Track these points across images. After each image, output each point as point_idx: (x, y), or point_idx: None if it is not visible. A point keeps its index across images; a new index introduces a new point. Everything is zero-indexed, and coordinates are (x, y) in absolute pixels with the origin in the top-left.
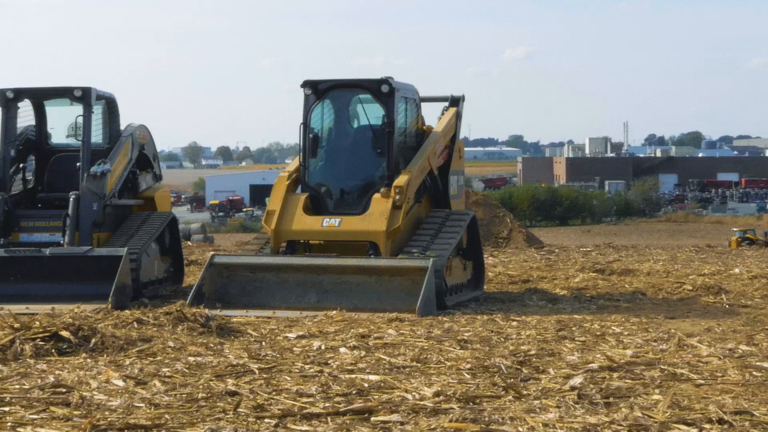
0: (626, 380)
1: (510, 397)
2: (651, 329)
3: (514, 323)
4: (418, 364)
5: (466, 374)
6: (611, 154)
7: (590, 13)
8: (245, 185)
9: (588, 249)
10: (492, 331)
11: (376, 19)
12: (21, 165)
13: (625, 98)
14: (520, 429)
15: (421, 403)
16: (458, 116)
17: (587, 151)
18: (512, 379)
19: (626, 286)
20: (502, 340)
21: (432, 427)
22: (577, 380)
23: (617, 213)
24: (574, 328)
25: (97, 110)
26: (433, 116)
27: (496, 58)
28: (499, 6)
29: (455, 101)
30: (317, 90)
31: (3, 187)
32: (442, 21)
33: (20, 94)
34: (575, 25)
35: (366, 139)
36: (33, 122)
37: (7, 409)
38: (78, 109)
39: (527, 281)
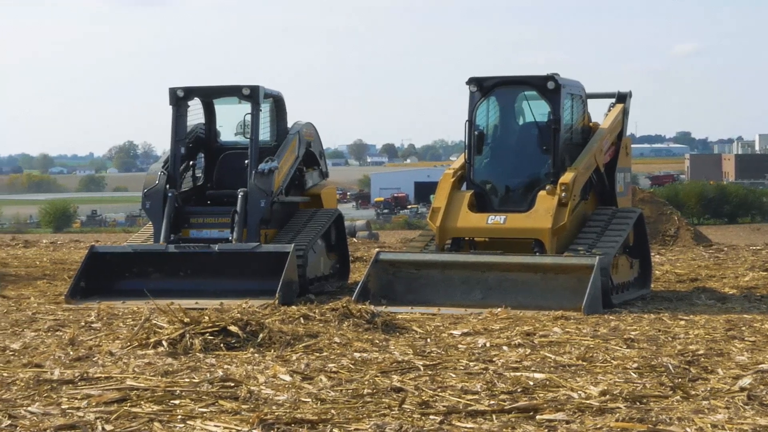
0: None
1: (677, 398)
2: None
3: (682, 322)
4: (584, 363)
5: (632, 373)
6: None
7: (761, 6)
8: (410, 182)
9: (758, 247)
10: (659, 331)
11: (541, 15)
12: (191, 162)
13: None
14: (687, 430)
15: (587, 402)
16: (625, 113)
17: (757, 147)
18: (680, 379)
19: None
20: (670, 339)
21: (598, 426)
22: (746, 381)
23: None
24: (743, 328)
25: (265, 108)
26: (599, 113)
27: (664, 53)
28: (667, 2)
29: (622, 97)
30: (482, 87)
31: (174, 184)
32: (608, 17)
33: (190, 93)
34: (745, 19)
35: (531, 136)
36: (202, 120)
37: (177, 402)
38: (246, 107)
39: (695, 280)
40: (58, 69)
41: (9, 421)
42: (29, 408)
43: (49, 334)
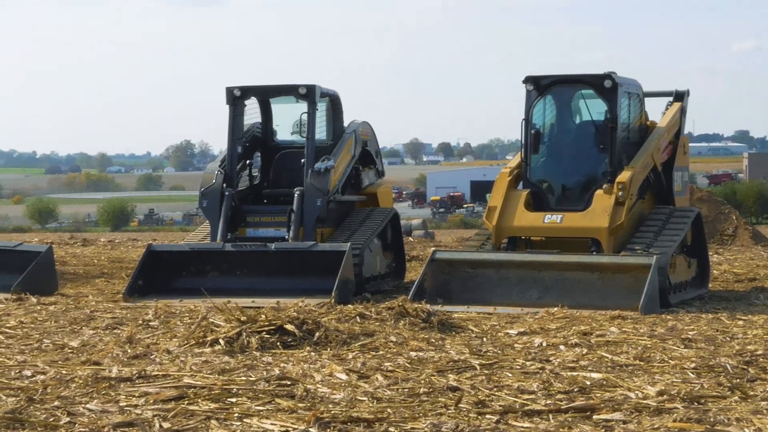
0: None
1: (736, 398)
2: None
3: (740, 322)
4: (641, 363)
5: (690, 374)
6: None
7: None
8: (466, 181)
9: None
10: (717, 330)
11: (598, 14)
12: (247, 161)
13: None
14: (746, 430)
15: (644, 402)
16: (683, 111)
17: None
18: (738, 380)
19: None
20: (728, 339)
21: (655, 426)
22: None
23: None
24: None
25: (321, 107)
26: (657, 111)
27: (723, 52)
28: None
29: (680, 96)
30: (539, 86)
31: (230, 183)
32: (666, 15)
33: (247, 92)
34: None
35: (588, 134)
36: (259, 120)
37: (234, 400)
38: (303, 106)
39: (753, 279)
40: (115, 69)
41: (68, 418)
42: (88, 405)
43: (107, 332)
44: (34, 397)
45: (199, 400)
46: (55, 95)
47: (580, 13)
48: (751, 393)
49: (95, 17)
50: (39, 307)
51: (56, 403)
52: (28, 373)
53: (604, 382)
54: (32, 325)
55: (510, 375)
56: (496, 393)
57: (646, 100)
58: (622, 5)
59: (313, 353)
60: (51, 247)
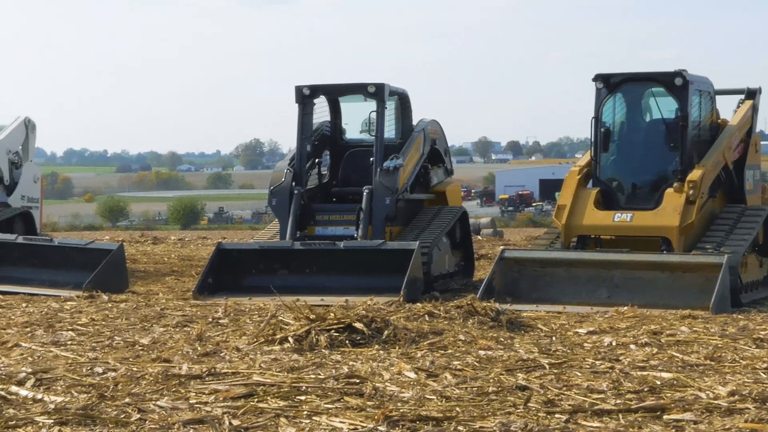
0: None
1: None
2: None
3: None
4: (712, 363)
5: (762, 374)
6: None
7: None
8: (535, 180)
9: None
10: None
11: (669, 10)
12: (316, 160)
13: None
14: None
15: (715, 402)
16: (755, 109)
17: None
18: None
19: None
20: None
21: (726, 427)
22: None
23: None
24: None
25: (390, 106)
26: (728, 109)
27: None
28: None
29: (752, 94)
30: (609, 84)
31: (300, 181)
32: (737, 11)
33: (316, 91)
34: None
35: (659, 132)
36: (328, 118)
37: (303, 398)
38: (371, 105)
39: None
40: (185, 68)
41: (138, 415)
42: (158, 402)
43: (177, 329)
44: (106, 394)
45: (269, 398)
46: (126, 95)
47: (651, 10)
48: None
49: (165, 17)
50: (110, 305)
51: (127, 399)
52: (100, 369)
53: (675, 382)
54: (103, 323)
55: (579, 374)
56: (566, 392)
57: (718, 98)
58: (693, 1)
59: (381, 351)
60: (122, 245)
